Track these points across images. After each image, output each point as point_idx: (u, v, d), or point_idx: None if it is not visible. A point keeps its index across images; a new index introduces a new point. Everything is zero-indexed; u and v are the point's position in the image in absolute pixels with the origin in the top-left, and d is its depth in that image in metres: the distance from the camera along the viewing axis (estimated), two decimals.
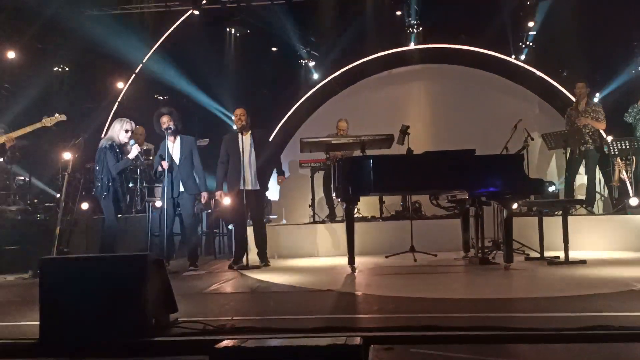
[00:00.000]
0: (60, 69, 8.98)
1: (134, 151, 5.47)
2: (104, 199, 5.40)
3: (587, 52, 8.46)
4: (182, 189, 5.80)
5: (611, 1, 8.04)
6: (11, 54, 7.98)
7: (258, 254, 6.05)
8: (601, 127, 7.01)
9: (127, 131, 5.52)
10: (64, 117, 5.49)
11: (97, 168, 5.45)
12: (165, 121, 5.76)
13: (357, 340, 1.95)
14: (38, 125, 5.38)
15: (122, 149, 5.55)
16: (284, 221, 8.61)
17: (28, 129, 5.39)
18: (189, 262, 5.83)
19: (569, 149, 6.84)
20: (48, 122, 5.40)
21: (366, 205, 8.04)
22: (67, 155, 6.09)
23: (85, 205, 6.64)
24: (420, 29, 9.44)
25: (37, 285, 2.87)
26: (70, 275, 2.90)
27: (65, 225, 5.78)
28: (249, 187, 5.87)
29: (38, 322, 2.78)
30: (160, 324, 2.89)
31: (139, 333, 2.73)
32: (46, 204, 6.83)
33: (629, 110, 6.98)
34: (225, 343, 2.08)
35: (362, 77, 9.80)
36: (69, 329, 2.78)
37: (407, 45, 9.57)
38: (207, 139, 7.69)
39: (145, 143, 7.39)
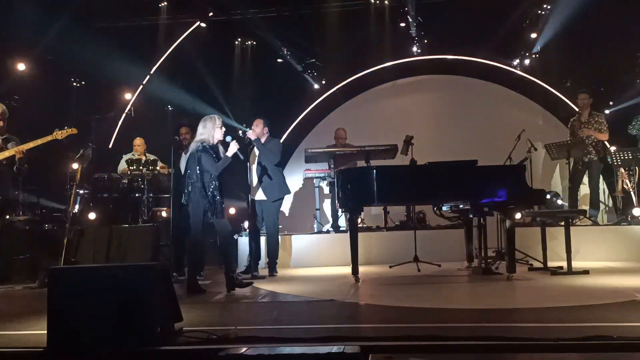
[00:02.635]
0: (69, 81, 9.12)
1: (232, 148, 5.00)
2: (191, 205, 4.95)
3: (590, 63, 8.51)
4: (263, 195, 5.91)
5: (615, 12, 8.09)
6: (21, 66, 8.12)
7: (268, 263, 6.13)
8: (604, 137, 7.03)
9: (221, 127, 5.07)
10: (74, 131, 5.58)
11: (192, 175, 4.94)
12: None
13: (356, 349, 2.00)
14: (49, 137, 5.47)
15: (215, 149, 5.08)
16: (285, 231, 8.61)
17: (39, 141, 5.48)
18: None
19: (572, 160, 6.87)
20: (59, 135, 5.49)
21: (370, 215, 8.09)
22: (75, 166, 6.20)
23: (92, 215, 6.72)
24: (423, 39, 9.53)
25: (45, 294, 2.93)
26: (77, 285, 2.96)
27: (72, 236, 5.86)
28: (258, 197, 5.96)
29: (45, 331, 2.84)
30: (165, 333, 2.94)
31: (144, 342, 2.78)
32: (54, 214, 6.92)
33: (633, 123, 7.00)
34: (228, 351, 2.13)
35: (366, 88, 9.88)
36: (76, 338, 2.83)
37: (411, 56, 9.66)
38: None
39: (147, 154, 7.48)
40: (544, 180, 8.70)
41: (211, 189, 4.86)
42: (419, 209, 7.65)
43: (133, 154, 7.37)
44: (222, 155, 5.04)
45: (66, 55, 8.13)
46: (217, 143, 5.04)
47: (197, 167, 4.86)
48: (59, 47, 8.09)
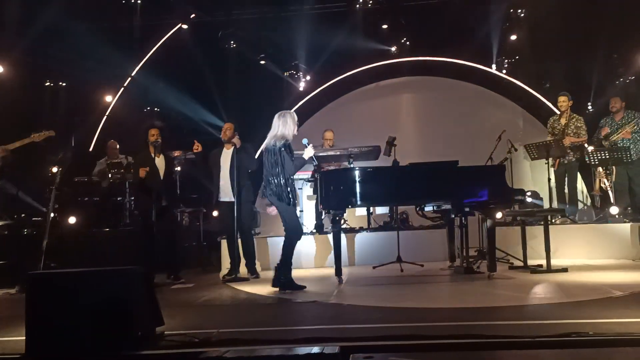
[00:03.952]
0: (49, 83, 9.01)
1: (309, 151, 4.94)
2: (278, 201, 4.79)
3: (569, 63, 8.66)
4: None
5: (592, 14, 8.23)
6: None
7: (246, 265, 6.10)
8: (583, 140, 7.17)
9: (297, 125, 5.00)
10: (52, 133, 5.53)
11: (273, 171, 4.81)
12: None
13: (335, 349, 2.02)
14: (27, 140, 5.41)
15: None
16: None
17: (17, 144, 5.42)
18: (172, 275, 5.87)
19: (550, 160, 6.98)
20: (37, 137, 5.43)
21: (354, 216, 8.11)
22: (54, 170, 6.12)
23: (72, 219, 6.65)
24: (405, 41, 9.60)
25: (24, 300, 2.90)
26: (56, 290, 2.93)
27: (52, 240, 5.78)
28: (232, 199, 5.95)
29: (24, 337, 2.80)
30: (146, 337, 2.93)
31: (125, 347, 2.77)
32: (33, 219, 6.82)
33: (601, 124, 7.11)
34: (207, 354, 2.13)
35: (349, 90, 9.93)
36: (55, 344, 2.81)
37: (394, 57, 9.73)
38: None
39: (120, 156, 7.38)
40: (534, 180, 8.77)
41: (289, 187, 4.79)
42: (402, 209, 7.70)
43: (107, 159, 7.27)
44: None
45: (45, 57, 8.03)
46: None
47: (278, 163, 4.77)
48: (38, 48, 7.99)
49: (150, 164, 5.80)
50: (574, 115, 7.26)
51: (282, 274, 4.84)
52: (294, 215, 4.88)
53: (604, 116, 7.40)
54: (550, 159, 6.77)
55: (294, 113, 5.04)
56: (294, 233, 4.88)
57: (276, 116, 4.99)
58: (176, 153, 6.74)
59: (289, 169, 4.81)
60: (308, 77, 9.96)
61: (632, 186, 6.89)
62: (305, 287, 4.82)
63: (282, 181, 4.77)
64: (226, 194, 5.93)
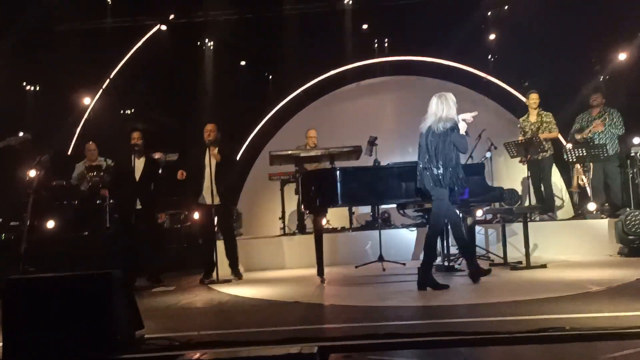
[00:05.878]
0: (26, 86, 8.87)
1: (463, 125, 4.61)
2: (441, 188, 4.49)
3: (547, 62, 8.79)
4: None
5: (570, 15, 8.36)
6: None
7: (230, 265, 6.07)
8: (554, 136, 7.28)
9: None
10: (29, 136, 5.46)
11: (437, 156, 4.50)
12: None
13: (313, 349, 2.03)
14: (3, 144, 5.32)
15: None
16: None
17: None
18: (152, 278, 5.83)
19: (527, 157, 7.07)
20: (13, 141, 5.35)
21: (336, 216, 8.13)
22: (32, 173, 6.02)
23: (51, 224, 6.55)
24: (386, 41, 9.67)
25: (1, 305, 2.86)
26: (34, 295, 2.90)
27: (30, 245, 5.69)
28: (215, 202, 5.92)
29: (0, 343, 2.76)
30: (126, 342, 2.90)
31: (104, 351, 2.74)
32: (11, 223, 6.71)
33: (577, 123, 7.19)
34: (187, 357, 2.12)
35: (330, 90, 9.94)
36: (33, 349, 2.77)
37: (374, 57, 9.79)
38: (177, 154, 7.67)
39: (99, 159, 7.27)
40: (511, 179, 8.88)
41: (452, 169, 4.48)
42: (383, 209, 7.74)
43: (85, 162, 7.17)
44: None
45: (21, 60, 7.91)
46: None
47: (445, 146, 4.46)
48: (14, 51, 7.86)
49: (128, 169, 5.77)
50: (543, 112, 7.34)
51: (424, 271, 4.49)
52: (446, 206, 4.54)
53: (578, 113, 7.50)
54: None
55: (452, 95, 4.71)
56: (434, 224, 4.64)
57: (435, 97, 4.70)
58: (157, 155, 6.66)
59: (463, 147, 4.54)
60: (289, 78, 9.95)
61: (608, 182, 6.98)
62: (448, 286, 4.46)
63: (446, 164, 4.44)
64: (207, 196, 5.90)
